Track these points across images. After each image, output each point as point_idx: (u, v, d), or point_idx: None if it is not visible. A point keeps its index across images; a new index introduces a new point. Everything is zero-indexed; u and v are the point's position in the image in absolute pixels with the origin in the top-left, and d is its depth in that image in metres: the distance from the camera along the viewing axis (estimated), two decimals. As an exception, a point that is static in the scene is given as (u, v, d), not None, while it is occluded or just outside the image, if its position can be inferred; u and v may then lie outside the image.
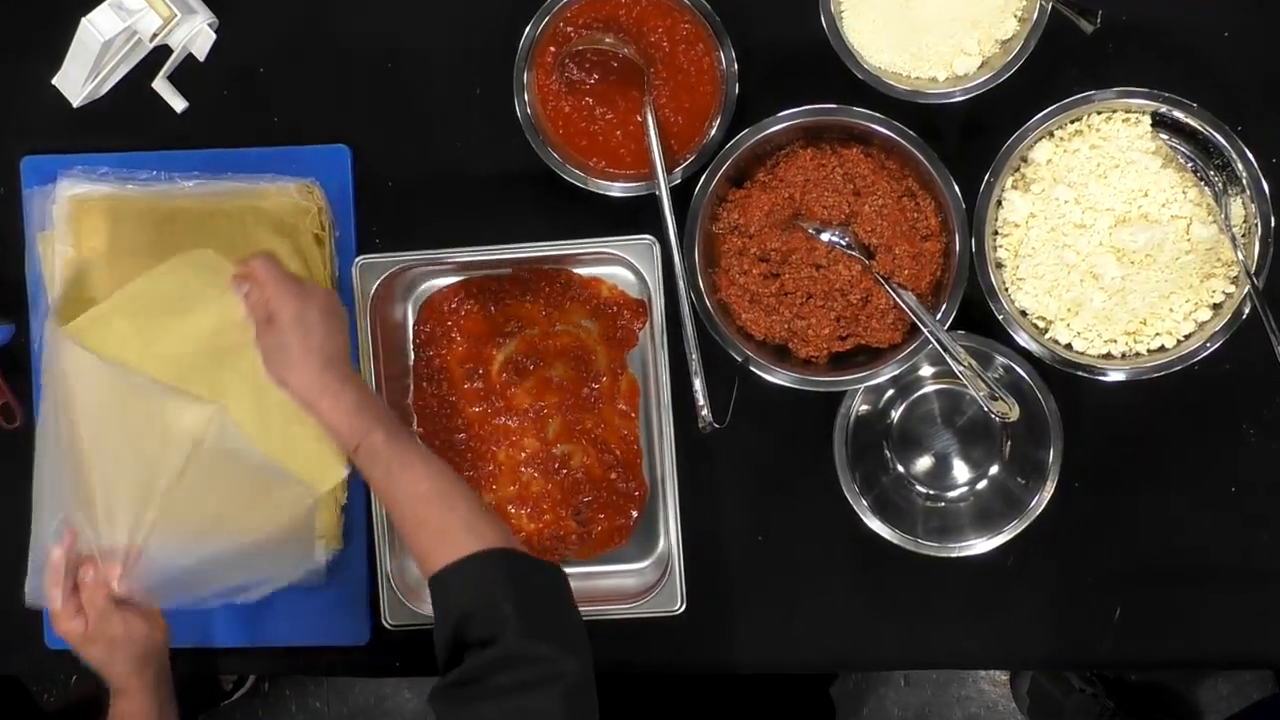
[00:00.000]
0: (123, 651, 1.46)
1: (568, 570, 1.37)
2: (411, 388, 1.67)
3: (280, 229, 1.63)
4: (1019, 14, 1.53)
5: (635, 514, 1.64)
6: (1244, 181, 1.49)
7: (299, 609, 1.66)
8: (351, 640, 1.67)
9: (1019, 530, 1.56)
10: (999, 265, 1.54)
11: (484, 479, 1.65)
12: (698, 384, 1.54)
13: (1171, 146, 1.51)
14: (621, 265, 1.61)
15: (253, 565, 1.54)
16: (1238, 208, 1.51)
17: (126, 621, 1.45)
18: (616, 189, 1.58)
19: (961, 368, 1.50)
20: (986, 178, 1.51)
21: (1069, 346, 1.54)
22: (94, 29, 1.55)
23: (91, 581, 1.44)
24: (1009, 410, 1.50)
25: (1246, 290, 1.48)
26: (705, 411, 1.54)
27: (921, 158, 1.51)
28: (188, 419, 1.46)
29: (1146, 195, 1.51)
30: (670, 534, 1.58)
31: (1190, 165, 1.50)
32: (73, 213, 1.65)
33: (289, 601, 1.63)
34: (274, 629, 1.68)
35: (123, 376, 1.47)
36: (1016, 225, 1.53)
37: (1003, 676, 2.59)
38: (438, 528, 1.32)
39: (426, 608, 1.60)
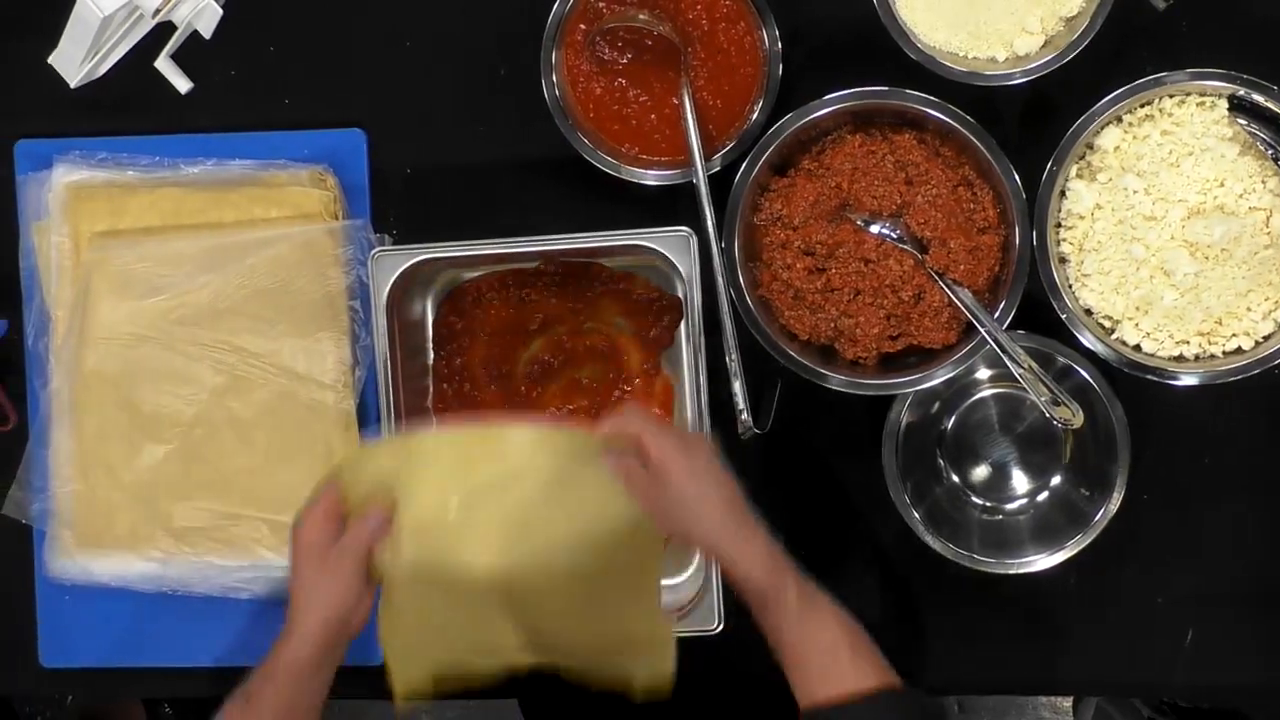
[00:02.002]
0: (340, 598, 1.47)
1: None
2: (430, 389, 1.68)
3: (291, 219, 1.65)
4: (1085, -11, 1.54)
5: (670, 526, 1.65)
6: (1329, 170, 1.50)
7: (309, 626, 1.67)
8: (366, 659, 1.68)
9: (1083, 545, 1.56)
10: (1062, 260, 1.55)
11: (507, 488, 1.66)
12: (737, 387, 1.55)
13: (1250, 132, 1.50)
14: (656, 259, 1.60)
15: None
16: (1322, 199, 1.51)
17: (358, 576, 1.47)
18: (651, 177, 1.59)
19: (1021, 370, 1.50)
20: (1049, 166, 1.52)
21: (1137, 348, 1.54)
22: (93, 4, 1.56)
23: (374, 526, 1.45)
24: (1072, 416, 1.50)
25: (1330, 288, 1.49)
26: (745, 416, 1.55)
27: (979, 144, 1.52)
28: None
29: (1223, 185, 1.52)
30: (707, 548, 1.59)
31: (1270, 152, 1.50)
32: (69, 201, 1.67)
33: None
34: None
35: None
36: (1081, 217, 1.54)
37: (1065, 703, 2.59)
38: (841, 671, 1.34)
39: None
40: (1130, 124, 1.53)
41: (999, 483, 1.65)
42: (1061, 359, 1.55)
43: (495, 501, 1.44)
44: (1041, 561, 1.57)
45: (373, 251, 1.61)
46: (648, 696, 1.50)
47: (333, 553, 1.44)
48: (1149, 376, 1.53)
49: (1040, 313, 1.54)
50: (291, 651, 1.44)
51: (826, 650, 1.35)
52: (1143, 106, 1.53)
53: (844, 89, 1.53)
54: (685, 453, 1.39)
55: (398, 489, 1.44)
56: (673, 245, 1.57)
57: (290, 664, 1.44)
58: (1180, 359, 1.54)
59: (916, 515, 1.58)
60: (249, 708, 1.43)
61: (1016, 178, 1.51)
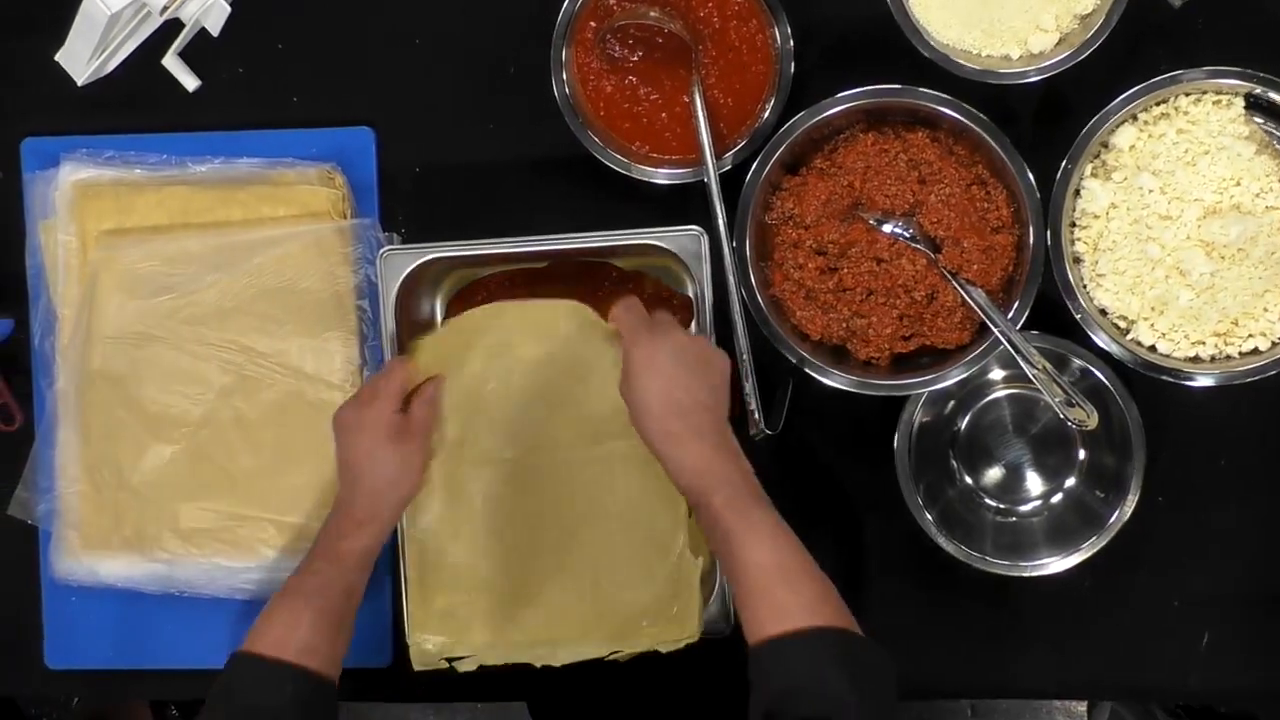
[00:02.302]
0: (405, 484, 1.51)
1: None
2: (439, 389, 1.68)
3: (299, 217, 1.65)
4: (1100, -14, 1.53)
5: (680, 527, 1.65)
6: (1346, 169, 1.49)
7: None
8: (372, 662, 1.68)
9: (1097, 548, 1.56)
10: (1076, 260, 1.54)
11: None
12: (749, 387, 1.55)
13: (1267, 131, 1.50)
14: (667, 258, 1.61)
15: None
16: (1339, 198, 1.51)
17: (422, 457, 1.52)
18: (662, 176, 1.60)
19: (1035, 371, 1.50)
20: (1064, 165, 1.52)
21: (1153, 349, 1.54)
22: (100, 2, 1.57)
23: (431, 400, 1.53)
24: (1087, 418, 1.50)
25: (1348, 288, 1.48)
26: (757, 416, 1.55)
27: (993, 143, 1.52)
28: None
29: (1239, 184, 1.51)
30: (718, 549, 1.58)
31: (1287, 151, 1.50)
32: (76, 199, 1.68)
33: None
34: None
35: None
36: (1096, 216, 1.53)
37: (1080, 707, 2.59)
38: (775, 602, 1.31)
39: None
40: (1145, 122, 1.53)
41: (1013, 484, 1.64)
42: (1076, 360, 1.55)
43: (531, 379, 1.53)
44: (1055, 564, 1.57)
45: (381, 250, 1.61)
46: None
47: (406, 433, 1.48)
48: (1164, 377, 1.53)
49: (1054, 313, 1.54)
50: (372, 539, 1.47)
51: (758, 569, 1.33)
52: (1158, 105, 1.53)
53: (856, 87, 1.53)
54: (648, 343, 1.40)
55: (447, 369, 1.54)
56: (683, 244, 1.58)
57: (368, 550, 1.46)
58: (1196, 359, 1.54)
59: (929, 517, 1.57)
60: (307, 596, 1.44)
61: (1030, 176, 1.51)
